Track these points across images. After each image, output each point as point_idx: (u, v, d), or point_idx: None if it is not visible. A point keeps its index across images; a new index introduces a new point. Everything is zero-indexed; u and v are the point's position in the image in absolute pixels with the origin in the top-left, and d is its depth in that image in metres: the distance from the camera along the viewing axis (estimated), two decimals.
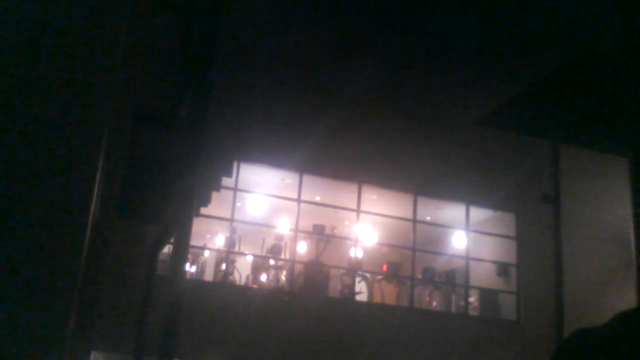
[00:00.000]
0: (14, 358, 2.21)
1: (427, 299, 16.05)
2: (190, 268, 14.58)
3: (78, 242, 2.35)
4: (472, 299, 15.71)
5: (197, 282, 14.02)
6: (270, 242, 15.03)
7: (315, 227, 15.13)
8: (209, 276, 15.04)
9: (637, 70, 4.86)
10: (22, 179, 2.36)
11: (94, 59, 2.56)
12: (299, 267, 14.63)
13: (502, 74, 14.91)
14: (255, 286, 14.50)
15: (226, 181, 8.23)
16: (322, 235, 15.23)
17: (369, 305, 14.76)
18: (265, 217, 14.84)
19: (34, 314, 2.25)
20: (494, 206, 15.72)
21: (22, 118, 2.43)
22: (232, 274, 14.46)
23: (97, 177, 2.46)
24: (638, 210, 4.53)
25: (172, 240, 6.45)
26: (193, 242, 9.21)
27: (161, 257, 9.77)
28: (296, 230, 14.28)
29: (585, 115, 14.74)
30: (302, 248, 14.97)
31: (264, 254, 15.07)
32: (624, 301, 14.30)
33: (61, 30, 2.54)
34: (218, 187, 5.77)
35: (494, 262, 15.91)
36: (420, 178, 14.90)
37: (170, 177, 5.09)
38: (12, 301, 2.26)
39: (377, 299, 15.37)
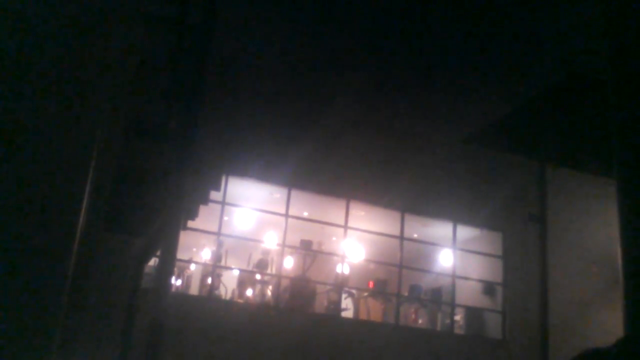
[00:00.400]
0: None
1: (413, 316, 16.03)
2: (175, 281, 14.49)
3: (66, 253, 2.35)
4: (457, 317, 15.71)
5: (182, 295, 13.94)
6: (257, 256, 14.97)
7: (303, 242, 15.11)
8: (194, 290, 14.95)
9: (622, 92, 4.91)
10: (10, 189, 2.35)
11: (84, 71, 2.56)
12: (285, 283, 14.58)
13: (490, 94, 15.04)
14: (241, 301, 14.43)
15: (214, 195, 8.22)
16: (309, 251, 15.20)
17: (354, 321, 14.72)
18: (252, 231, 14.81)
19: (23, 321, 2.24)
20: (481, 225, 15.79)
21: (11, 128, 2.43)
22: (218, 288, 14.38)
23: (87, 189, 2.46)
24: (625, 232, 4.56)
25: (158, 253, 6.42)
26: (179, 255, 9.17)
27: (146, 270, 9.72)
28: (283, 245, 14.25)
29: (572, 136, 14.86)
30: (289, 263, 14.93)
31: (250, 268, 15.01)
32: (609, 321, 14.34)
33: (52, 42, 2.55)
34: (206, 200, 5.75)
35: (480, 280, 15.94)
36: (408, 195, 14.95)
37: (157, 190, 5.07)
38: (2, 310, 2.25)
39: (363, 315, 15.33)
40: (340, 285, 14.86)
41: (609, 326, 13.96)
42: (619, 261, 4.63)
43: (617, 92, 4.95)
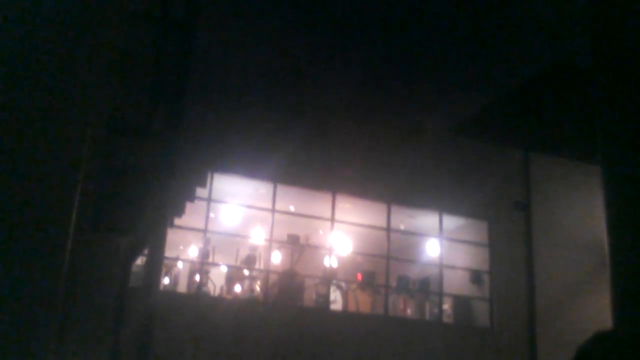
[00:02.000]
0: None
1: (402, 307, 16.09)
2: (163, 279, 14.45)
3: (59, 255, 2.33)
4: (446, 306, 15.80)
5: (170, 293, 13.90)
6: (244, 252, 14.96)
7: (290, 236, 15.11)
8: (182, 287, 14.91)
9: (606, 80, 4.95)
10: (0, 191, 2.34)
11: (68, 69, 2.54)
12: (273, 277, 14.59)
13: (475, 84, 15.09)
14: (229, 297, 14.42)
15: (200, 192, 8.20)
16: (296, 245, 15.21)
17: (343, 314, 14.76)
18: (239, 227, 14.79)
19: (18, 323, 2.23)
20: (467, 214, 15.86)
21: None
22: (206, 285, 14.36)
23: (78, 189, 2.45)
24: (612, 218, 4.60)
25: (145, 251, 6.39)
26: (166, 253, 9.14)
27: (134, 268, 9.69)
28: (270, 240, 14.25)
29: (556, 124, 14.95)
30: (277, 258, 14.93)
31: (238, 264, 15.00)
32: (596, 306, 14.49)
33: (35, 41, 2.52)
34: (192, 197, 5.74)
35: (467, 269, 16.03)
36: (394, 187, 14.99)
37: (144, 189, 5.05)
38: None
39: (351, 307, 15.37)
40: (328, 278, 14.89)
41: (596, 311, 14.11)
42: (606, 247, 4.67)
43: (601, 80, 4.98)
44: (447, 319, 15.67)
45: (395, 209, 15.22)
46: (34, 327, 2.27)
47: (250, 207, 14.43)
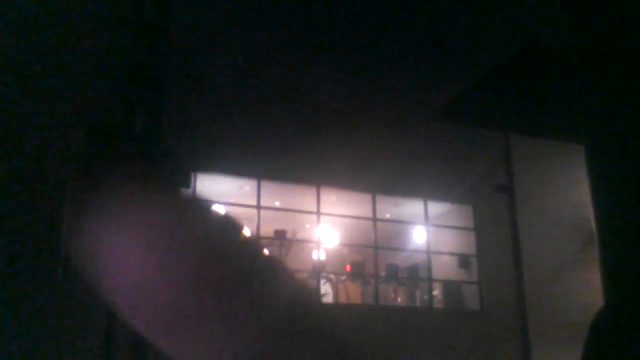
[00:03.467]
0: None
1: (392, 295, 16.18)
2: None
3: (52, 259, 2.33)
4: (436, 292, 15.90)
5: None
6: None
7: (277, 232, 15.11)
8: None
9: (585, 58, 4.99)
10: None
11: (47, 74, 2.53)
12: None
13: (452, 68, 15.13)
14: None
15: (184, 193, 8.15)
16: (283, 240, 15.21)
17: (334, 306, 14.79)
18: None
19: (20, 325, 2.23)
20: (451, 199, 15.94)
21: None
22: None
23: (67, 194, 2.44)
24: (597, 199, 4.64)
25: None
26: None
27: None
28: (257, 237, 14.23)
29: (535, 105, 15.04)
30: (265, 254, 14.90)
31: None
32: (585, 283, 14.66)
33: (14, 49, 2.51)
34: None
35: (455, 254, 16.12)
36: (378, 177, 15.01)
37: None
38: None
39: (342, 299, 15.41)
40: (317, 271, 14.92)
41: (584, 288, 14.27)
42: (591, 224, 4.72)
43: (579, 58, 5.02)
44: (437, 304, 15.77)
45: (380, 199, 15.26)
46: (32, 327, 2.27)
47: (235, 204, 14.40)
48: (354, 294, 15.65)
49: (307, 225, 15.50)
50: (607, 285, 4.47)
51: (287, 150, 14.25)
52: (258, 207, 14.06)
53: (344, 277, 15.79)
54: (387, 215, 16.09)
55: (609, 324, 1.22)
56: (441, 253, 16.03)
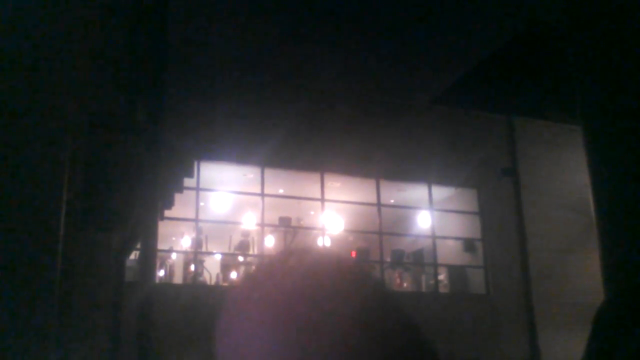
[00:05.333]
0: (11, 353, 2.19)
1: (398, 280, 16.19)
2: (158, 272, 14.44)
3: (51, 255, 2.33)
4: (441, 277, 15.91)
5: (166, 285, 13.89)
6: (237, 238, 14.96)
7: (281, 219, 15.12)
8: (178, 279, 14.91)
9: (581, 38, 4.95)
10: None
11: (49, 70, 2.52)
12: None
13: (455, 52, 15.07)
14: (226, 284, 14.44)
15: (188, 181, 8.17)
16: (288, 228, 15.22)
17: None
18: (230, 214, 14.77)
19: (19, 323, 2.24)
20: (456, 184, 15.91)
21: None
22: (201, 274, 14.36)
23: (64, 188, 2.44)
24: (595, 179, 4.62)
25: (138, 245, 6.37)
26: (159, 246, 9.11)
27: (128, 263, 9.67)
28: (262, 224, 14.24)
29: (537, 86, 14.98)
30: (270, 242, 14.95)
31: (232, 251, 15.00)
32: (590, 265, 14.64)
33: (15, 43, 2.50)
34: (180, 188, 5.72)
35: (460, 238, 16.12)
36: (382, 162, 14.99)
37: (131, 183, 5.03)
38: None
39: None
40: None
41: (589, 271, 14.25)
42: (592, 207, 4.69)
43: (576, 38, 4.98)
44: (443, 289, 15.78)
45: (384, 184, 15.24)
46: (32, 325, 2.27)
47: (239, 193, 14.40)
48: None
49: (312, 212, 15.51)
50: (607, 275, 4.46)
51: (290, 138, 14.23)
52: (262, 194, 14.07)
53: None
54: (392, 201, 16.08)
55: (611, 318, 1.22)
56: (446, 238, 16.03)
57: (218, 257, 15.42)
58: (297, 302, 0.66)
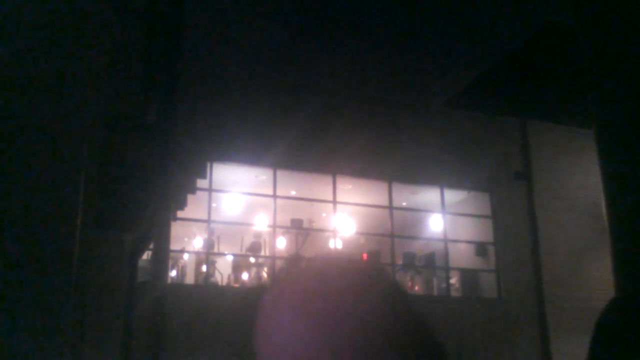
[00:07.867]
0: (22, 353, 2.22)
1: (409, 283, 16.16)
2: (170, 272, 14.50)
3: (68, 255, 2.35)
4: (453, 280, 15.86)
5: (178, 285, 13.96)
6: (249, 240, 14.99)
7: (293, 221, 15.13)
8: (190, 279, 14.97)
9: (595, 42, 4.93)
10: (7, 194, 2.35)
11: (63, 70, 2.55)
12: (280, 264, 14.63)
13: (468, 55, 15.02)
14: (237, 285, 14.48)
15: (200, 182, 8.21)
16: (300, 230, 15.24)
17: None
18: (242, 215, 14.81)
19: (34, 325, 2.26)
20: (468, 187, 15.87)
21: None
22: (213, 275, 14.41)
23: (81, 188, 2.47)
24: (607, 183, 4.60)
25: (150, 246, 6.41)
26: (171, 246, 9.17)
27: (140, 263, 9.72)
28: (274, 226, 14.27)
29: (550, 89, 14.91)
30: (282, 244, 14.97)
31: (243, 252, 15.04)
32: (602, 270, 14.54)
33: (29, 43, 2.53)
34: (193, 189, 5.75)
35: (472, 242, 16.06)
36: (394, 165, 14.97)
37: (144, 184, 5.07)
38: (17, 306, 2.27)
39: None
40: None
41: (601, 275, 14.16)
42: (604, 211, 4.67)
43: (589, 42, 4.96)
44: (455, 292, 15.74)
45: (396, 187, 15.23)
46: (49, 327, 2.29)
47: (251, 194, 14.44)
48: None
49: (324, 214, 15.52)
50: (618, 279, 4.43)
51: (302, 139, 14.25)
52: (274, 196, 14.10)
53: None
54: (404, 204, 16.06)
55: (616, 318, 1.22)
56: (458, 241, 15.98)
57: (230, 258, 15.46)
58: (320, 301, 0.73)
